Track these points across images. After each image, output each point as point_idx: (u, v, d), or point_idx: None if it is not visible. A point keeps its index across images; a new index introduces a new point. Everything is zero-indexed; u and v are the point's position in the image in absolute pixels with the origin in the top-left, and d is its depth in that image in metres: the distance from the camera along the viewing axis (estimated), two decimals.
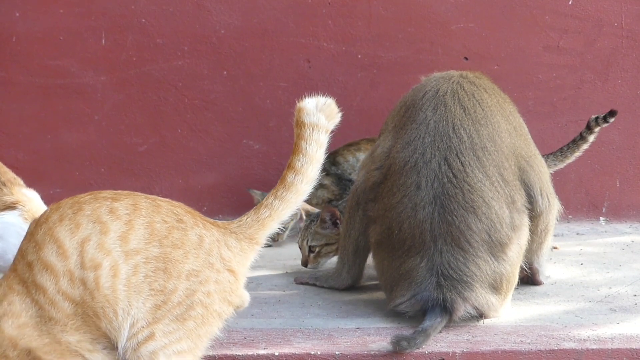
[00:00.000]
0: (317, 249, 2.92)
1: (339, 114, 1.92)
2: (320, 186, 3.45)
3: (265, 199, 1.90)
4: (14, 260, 1.81)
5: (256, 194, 3.34)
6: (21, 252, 1.77)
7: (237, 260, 1.84)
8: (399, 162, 2.47)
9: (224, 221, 1.90)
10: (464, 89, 2.53)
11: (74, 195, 1.83)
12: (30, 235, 1.77)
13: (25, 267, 1.74)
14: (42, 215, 1.79)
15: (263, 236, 1.88)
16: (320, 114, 1.88)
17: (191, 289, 1.76)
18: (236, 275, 1.84)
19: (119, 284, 1.72)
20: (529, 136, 2.67)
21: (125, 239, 1.72)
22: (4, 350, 1.72)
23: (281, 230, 2.83)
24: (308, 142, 1.88)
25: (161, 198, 1.85)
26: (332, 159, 3.52)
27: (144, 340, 1.73)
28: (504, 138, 2.49)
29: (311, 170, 1.90)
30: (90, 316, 1.71)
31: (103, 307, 1.71)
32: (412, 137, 2.47)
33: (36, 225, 1.77)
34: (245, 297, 1.87)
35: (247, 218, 1.88)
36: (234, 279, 1.83)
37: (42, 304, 1.71)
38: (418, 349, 2.14)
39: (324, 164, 3.47)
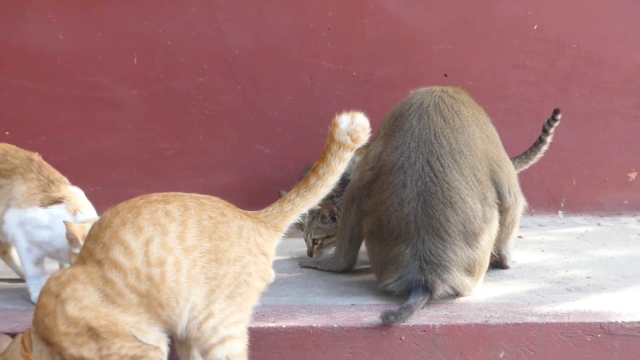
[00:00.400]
0: (319, 241, 2.95)
1: (368, 136, 1.92)
2: None
3: (288, 194, 1.92)
4: (79, 256, 1.82)
5: (284, 194, 3.30)
6: (88, 250, 1.78)
7: (267, 245, 1.86)
8: (388, 163, 2.49)
9: (253, 211, 1.91)
10: (444, 102, 2.53)
11: (128, 200, 1.83)
12: (96, 237, 1.77)
13: (94, 264, 1.75)
14: (103, 219, 1.79)
15: (285, 226, 1.91)
16: (348, 137, 1.88)
17: (237, 272, 1.79)
18: (268, 257, 1.87)
19: (182, 276, 1.74)
20: (500, 142, 2.69)
21: (183, 238, 1.74)
22: (66, 328, 1.73)
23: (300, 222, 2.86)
24: (333, 156, 1.89)
25: (202, 195, 1.86)
26: None
27: (204, 319, 1.77)
28: (478, 144, 2.51)
29: (331, 179, 1.91)
30: (155, 306, 1.73)
31: (168, 298, 1.73)
32: (400, 143, 2.49)
33: (99, 228, 1.78)
34: (272, 275, 1.90)
35: (272, 209, 1.91)
36: (266, 260, 1.86)
37: (110, 294, 1.73)
38: (403, 322, 2.18)
39: None
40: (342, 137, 1.89)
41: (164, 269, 1.73)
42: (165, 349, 1.82)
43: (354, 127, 1.89)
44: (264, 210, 1.93)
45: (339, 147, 1.89)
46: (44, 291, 1.83)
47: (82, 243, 2.05)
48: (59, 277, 1.80)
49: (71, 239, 2.14)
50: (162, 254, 1.73)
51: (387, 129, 2.60)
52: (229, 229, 1.80)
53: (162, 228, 1.74)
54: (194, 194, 1.87)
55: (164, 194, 1.85)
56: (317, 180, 1.91)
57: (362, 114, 1.92)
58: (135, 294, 1.73)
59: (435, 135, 2.46)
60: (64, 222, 2.18)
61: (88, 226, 2.17)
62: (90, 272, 1.76)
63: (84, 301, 1.74)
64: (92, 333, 1.73)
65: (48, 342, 1.78)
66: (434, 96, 2.56)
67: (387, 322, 2.17)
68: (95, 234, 1.79)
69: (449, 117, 2.50)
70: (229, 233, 1.80)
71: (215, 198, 1.88)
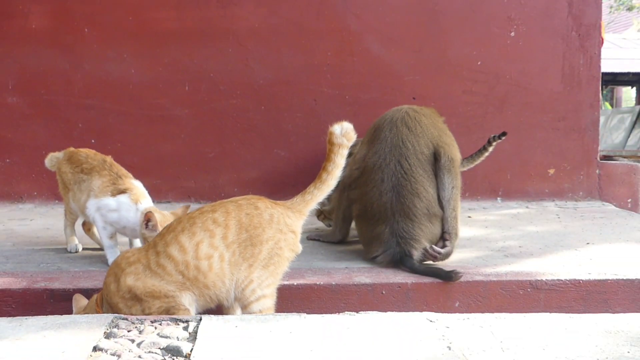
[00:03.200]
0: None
1: (355, 135, 1.90)
2: None
3: (308, 188, 1.89)
4: (146, 246, 1.81)
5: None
6: (154, 243, 1.76)
7: (295, 225, 1.82)
8: (370, 164, 2.40)
9: (283, 201, 1.88)
10: (409, 115, 2.44)
11: (191, 212, 1.82)
12: (162, 235, 1.76)
13: (154, 253, 1.73)
14: (171, 225, 1.78)
15: (307, 211, 1.87)
16: (343, 138, 1.86)
17: (270, 248, 1.75)
18: (296, 234, 1.83)
19: (225, 264, 1.71)
20: (454, 142, 2.55)
21: (226, 237, 1.71)
22: (122, 294, 1.72)
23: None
24: (336, 155, 1.86)
25: (241, 197, 1.82)
26: None
27: (246, 285, 1.73)
28: (434, 144, 2.38)
29: (337, 172, 1.88)
30: (200, 287, 1.71)
31: (214, 281, 1.71)
32: (378, 149, 2.41)
33: (167, 230, 1.76)
34: (300, 248, 1.86)
35: (297, 199, 1.87)
36: (294, 236, 1.82)
37: (159, 273, 1.71)
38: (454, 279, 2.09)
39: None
40: (339, 140, 1.86)
41: (210, 261, 1.71)
42: (192, 311, 1.78)
43: (345, 130, 1.87)
44: (290, 200, 1.89)
45: (339, 147, 1.86)
46: (115, 265, 1.79)
47: (159, 229, 2.03)
48: (128, 258, 1.78)
49: (153, 224, 2.10)
50: (209, 251, 1.71)
51: (369, 138, 2.53)
52: (262, 218, 1.76)
53: (210, 233, 1.72)
54: (235, 198, 1.82)
55: (213, 204, 1.81)
56: (327, 175, 1.88)
57: (347, 121, 1.91)
58: (181, 276, 1.71)
59: (402, 141, 2.37)
60: (148, 212, 2.13)
61: (161, 218, 2.16)
62: (149, 258, 1.74)
63: (139, 275, 1.73)
64: (138, 298, 1.72)
65: (109, 302, 1.76)
66: (402, 112, 2.47)
67: (453, 279, 2.09)
68: (162, 233, 1.78)
69: (412, 126, 2.41)
70: (261, 222, 1.76)
71: (250, 196, 1.84)
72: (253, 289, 1.74)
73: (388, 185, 2.33)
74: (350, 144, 1.88)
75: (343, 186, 2.59)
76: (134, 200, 2.26)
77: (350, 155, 3.35)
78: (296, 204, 1.86)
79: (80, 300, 1.87)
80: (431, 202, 2.32)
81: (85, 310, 1.82)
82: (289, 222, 1.81)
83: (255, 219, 1.75)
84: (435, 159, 2.38)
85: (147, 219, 2.10)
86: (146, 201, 2.30)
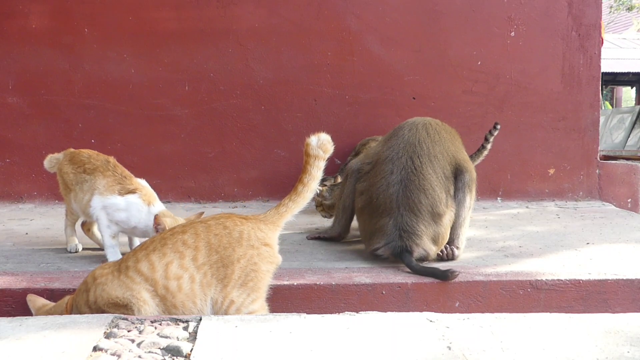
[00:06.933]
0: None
1: (333, 147, 1.86)
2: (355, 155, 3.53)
3: (283, 200, 1.86)
4: (119, 260, 1.80)
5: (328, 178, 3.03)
6: (125, 259, 1.76)
7: (268, 238, 1.79)
8: (383, 157, 2.43)
9: (254, 214, 1.86)
10: (431, 125, 2.49)
11: (163, 231, 1.82)
12: (134, 252, 1.75)
13: (124, 267, 1.72)
14: (143, 244, 1.77)
15: (282, 222, 1.84)
16: (319, 150, 1.83)
17: (243, 265, 1.72)
18: (270, 246, 1.79)
19: (196, 285, 1.69)
20: (470, 161, 2.60)
21: (196, 259, 1.70)
22: (90, 304, 1.71)
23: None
24: (312, 167, 1.83)
25: (210, 217, 1.80)
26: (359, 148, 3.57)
27: (228, 306, 1.71)
28: (451, 154, 2.45)
29: (313, 185, 1.85)
30: (168, 307, 1.69)
31: (183, 302, 1.69)
32: (393, 144, 2.44)
33: (140, 248, 1.76)
34: (280, 259, 1.82)
35: (271, 212, 1.84)
36: (269, 248, 1.78)
37: (128, 284, 1.70)
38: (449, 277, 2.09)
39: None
40: (315, 151, 1.84)
41: (180, 282, 1.70)
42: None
43: (321, 142, 1.84)
44: (264, 213, 1.87)
45: (315, 159, 1.84)
46: (90, 275, 1.79)
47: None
48: (103, 268, 1.78)
49: (162, 228, 2.12)
50: (179, 272, 1.70)
51: (387, 136, 2.56)
52: (231, 237, 1.74)
53: (180, 254, 1.71)
54: (204, 219, 1.81)
55: (183, 224, 1.80)
56: (303, 187, 1.85)
57: (324, 133, 1.87)
58: (149, 293, 1.70)
59: (418, 141, 2.41)
60: (157, 215, 2.17)
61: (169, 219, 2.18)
62: (120, 270, 1.74)
63: (107, 285, 1.72)
64: (101, 310, 1.71)
65: (79, 311, 1.75)
66: (425, 120, 2.52)
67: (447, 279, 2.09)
68: (135, 251, 1.77)
69: (431, 133, 2.46)
70: (230, 241, 1.74)
71: (219, 215, 1.82)
72: (237, 308, 1.72)
73: (397, 177, 2.35)
74: (327, 155, 1.85)
75: (347, 176, 2.62)
76: (146, 202, 2.26)
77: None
78: (269, 217, 1.83)
79: (36, 301, 1.84)
80: (436, 201, 2.33)
81: (51, 312, 1.80)
82: (261, 235, 1.78)
83: (224, 238, 1.73)
84: (457, 173, 2.42)
85: (157, 223, 2.12)
86: (158, 203, 2.30)
